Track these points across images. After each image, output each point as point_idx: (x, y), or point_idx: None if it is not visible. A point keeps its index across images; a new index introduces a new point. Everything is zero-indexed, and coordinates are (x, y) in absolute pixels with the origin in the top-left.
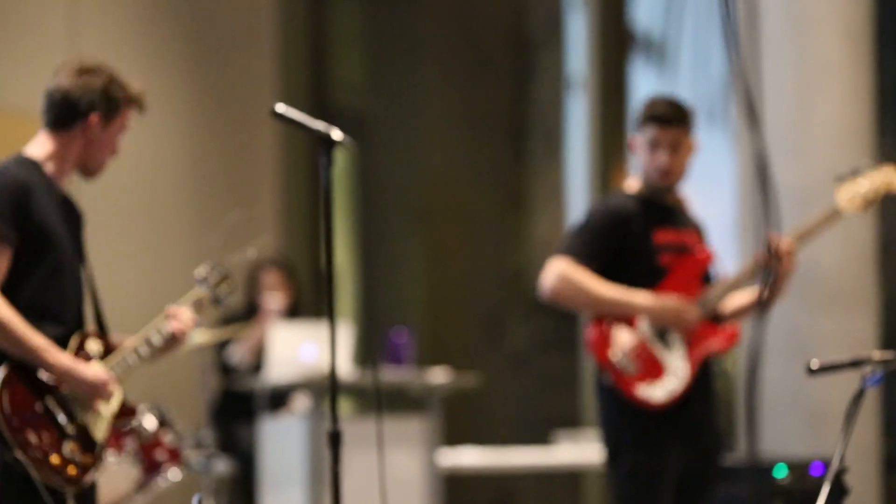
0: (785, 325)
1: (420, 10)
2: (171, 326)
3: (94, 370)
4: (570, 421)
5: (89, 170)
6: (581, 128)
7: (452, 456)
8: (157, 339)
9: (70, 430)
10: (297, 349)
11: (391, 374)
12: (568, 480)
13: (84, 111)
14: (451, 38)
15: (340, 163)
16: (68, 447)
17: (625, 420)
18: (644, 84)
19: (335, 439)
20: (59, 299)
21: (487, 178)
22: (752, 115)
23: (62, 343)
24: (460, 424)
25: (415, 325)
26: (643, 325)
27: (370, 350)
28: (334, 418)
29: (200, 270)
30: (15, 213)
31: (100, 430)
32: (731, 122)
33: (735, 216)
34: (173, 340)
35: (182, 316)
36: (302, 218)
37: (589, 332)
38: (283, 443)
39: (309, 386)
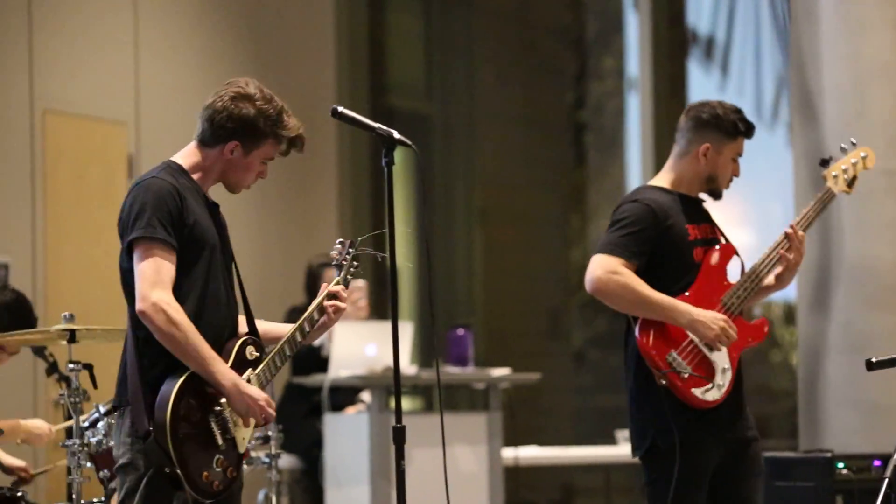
0: (842, 322)
1: (478, 12)
2: (330, 306)
3: (257, 389)
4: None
5: (229, 187)
6: (640, 128)
7: (515, 452)
8: (308, 326)
9: (221, 444)
10: (359, 347)
11: (453, 372)
12: (630, 475)
13: (224, 138)
14: (509, 40)
15: (400, 163)
16: (217, 461)
17: (670, 420)
18: (701, 84)
19: (399, 435)
20: (214, 303)
21: (547, 178)
22: (807, 113)
23: (218, 349)
24: (522, 421)
25: (476, 324)
26: None
27: (432, 348)
28: (398, 414)
29: (334, 253)
30: (173, 220)
31: (243, 444)
32: (787, 121)
33: (790, 215)
34: (328, 321)
35: (342, 296)
36: (362, 217)
37: (640, 331)
38: (347, 439)
39: (372, 383)
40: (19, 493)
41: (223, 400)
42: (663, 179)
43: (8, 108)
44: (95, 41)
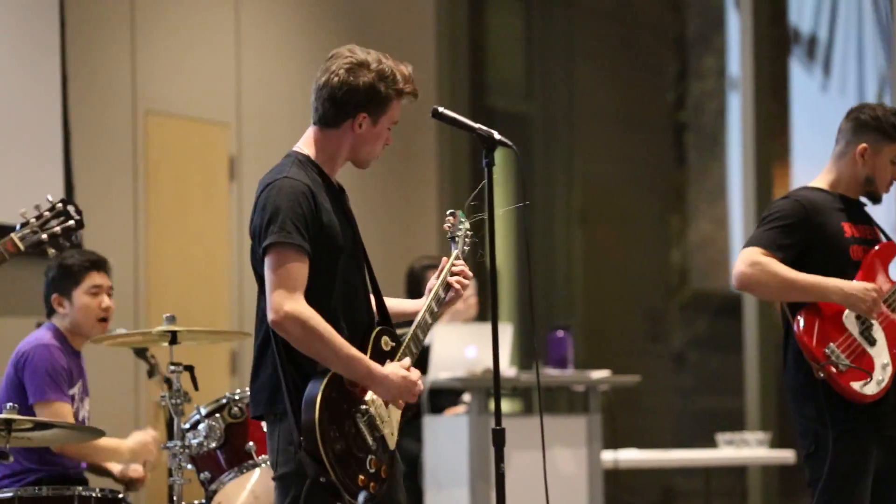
0: None
1: (578, 11)
2: (456, 281)
3: (392, 366)
4: (731, 420)
5: (360, 163)
6: (741, 127)
7: (614, 455)
8: (436, 306)
9: (372, 443)
10: (459, 349)
11: (553, 374)
12: (732, 477)
13: (351, 112)
14: (610, 40)
15: (500, 164)
16: (370, 462)
17: (831, 414)
18: (803, 83)
19: (499, 437)
20: (352, 301)
21: (647, 178)
22: None
23: (356, 343)
24: (621, 424)
25: (575, 325)
26: (849, 321)
27: (532, 350)
28: (498, 416)
29: (447, 226)
30: (307, 223)
31: (393, 439)
32: None
33: (892, 216)
34: (455, 296)
35: (465, 271)
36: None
37: (799, 325)
38: (447, 441)
39: (472, 385)
40: (120, 496)
41: (367, 397)
42: (822, 181)
43: (110, 109)
44: (197, 42)
